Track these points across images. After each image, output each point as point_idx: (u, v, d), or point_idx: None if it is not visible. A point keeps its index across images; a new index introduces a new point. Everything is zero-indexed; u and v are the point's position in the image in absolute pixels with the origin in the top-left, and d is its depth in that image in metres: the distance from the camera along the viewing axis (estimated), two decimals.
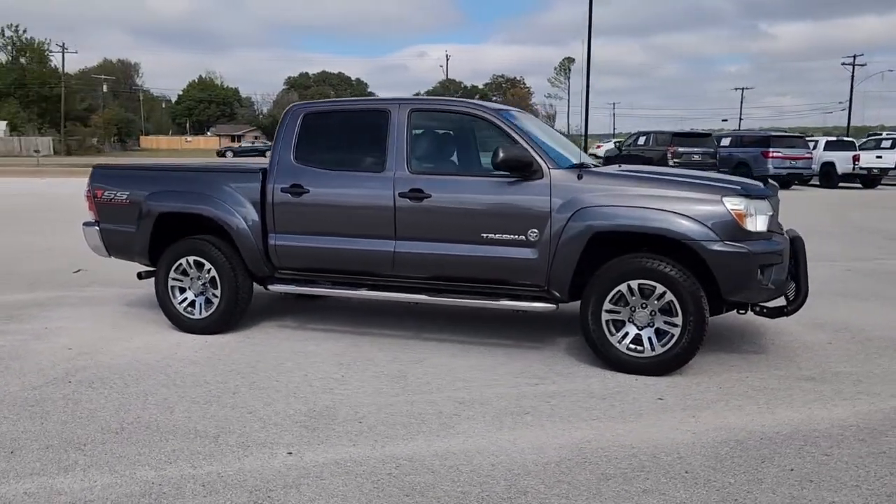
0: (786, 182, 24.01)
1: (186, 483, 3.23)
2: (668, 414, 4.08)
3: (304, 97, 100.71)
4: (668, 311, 4.66)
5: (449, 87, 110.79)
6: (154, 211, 5.81)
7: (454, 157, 5.44)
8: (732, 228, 4.57)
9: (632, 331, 4.77)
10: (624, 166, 5.59)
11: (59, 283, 7.69)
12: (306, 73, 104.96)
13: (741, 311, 5.01)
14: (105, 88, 76.10)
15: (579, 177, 4.88)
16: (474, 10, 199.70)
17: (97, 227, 6.14)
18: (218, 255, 5.65)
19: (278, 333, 5.78)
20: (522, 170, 4.89)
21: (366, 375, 4.74)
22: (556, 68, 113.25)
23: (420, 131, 5.37)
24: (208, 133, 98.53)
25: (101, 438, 3.71)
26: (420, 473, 3.33)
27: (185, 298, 5.81)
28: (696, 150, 23.76)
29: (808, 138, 27.65)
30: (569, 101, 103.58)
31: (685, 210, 4.62)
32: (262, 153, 53.36)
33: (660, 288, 4.64)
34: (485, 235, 5.00)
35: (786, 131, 37.47)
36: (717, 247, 4.54)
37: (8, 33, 67.72)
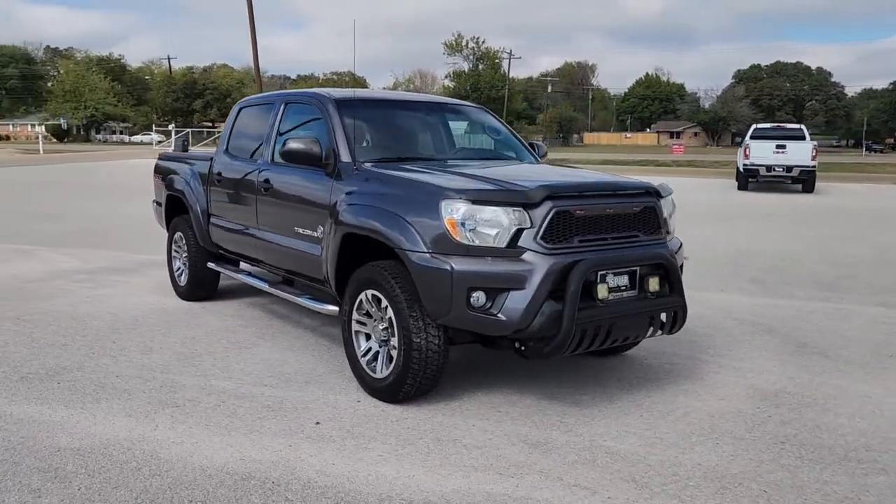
0: None
1: None
2: (277, 439, 3.61)
3: (752, 91, 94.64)
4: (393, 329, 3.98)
5: None
6: (164, 192, 6.89)
7: None
8: (442, 238, 3.70)
9: (374, 347, 4.19)
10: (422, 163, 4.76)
11: None
12: (757, 65, 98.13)
13: (516, 347, 3.94)
14: (549, 89, 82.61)
15: (353, 172, 4.42)
16: None
17: (155, 204, 7.48)
18: (188, 233, 6.47)
19: (233, 308, 6.31)
20: (311, 162, 4.62)
21: (173, 351, 5.04)
22: None
23: (289, 123, 5.36)
24: (648, 130, 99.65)
25: None
26: None
27: (179, 268, 6.77)
28: None
29: None
30: None
31: (406, 213, 3.89)
32: None
33: (384, 301, 3.99)
34: (297, 229, 4.86)
35: None
36: (418, 259, 3.74)
37: (471, 45, 78.61)
